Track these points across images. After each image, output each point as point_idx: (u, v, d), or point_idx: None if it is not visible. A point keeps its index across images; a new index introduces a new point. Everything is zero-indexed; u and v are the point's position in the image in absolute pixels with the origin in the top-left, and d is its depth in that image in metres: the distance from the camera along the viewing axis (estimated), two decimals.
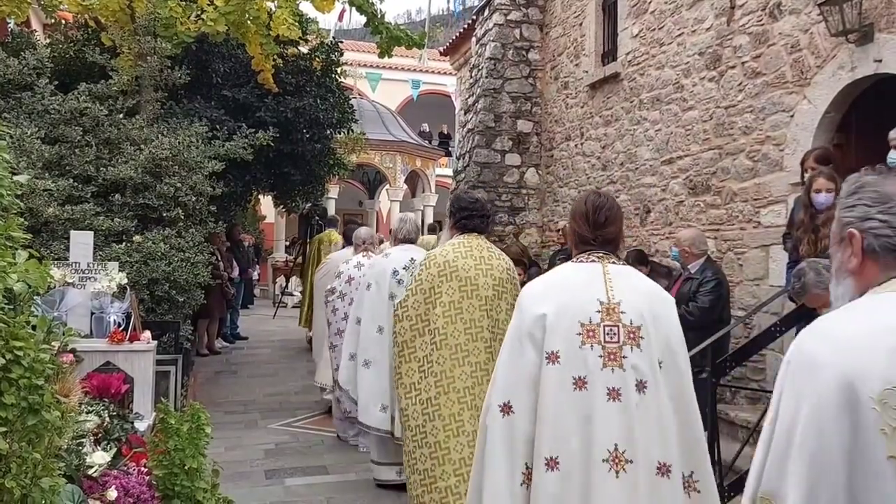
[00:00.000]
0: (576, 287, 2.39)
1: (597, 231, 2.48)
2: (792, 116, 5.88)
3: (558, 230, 8.84)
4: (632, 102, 8.27)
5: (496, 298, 3.62)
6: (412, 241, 5.06)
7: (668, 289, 5.85)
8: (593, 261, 2.45)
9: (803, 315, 4.54)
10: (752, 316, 5.81)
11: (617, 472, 2.20)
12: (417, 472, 3.50)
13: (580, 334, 2.31)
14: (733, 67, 6.58)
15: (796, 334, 4.77)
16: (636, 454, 2.21)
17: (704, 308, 5.41)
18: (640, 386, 2.27)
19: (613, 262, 2.45)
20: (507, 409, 2.36)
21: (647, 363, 2.29)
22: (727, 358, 4.91)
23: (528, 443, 2.33)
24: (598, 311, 2.33)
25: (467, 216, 3.90)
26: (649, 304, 2.36)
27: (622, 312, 2.34)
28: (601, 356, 2.30)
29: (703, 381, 4.78)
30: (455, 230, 3.94)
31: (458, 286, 3.63)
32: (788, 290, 4.04)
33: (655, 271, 6.21)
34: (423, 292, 3.70)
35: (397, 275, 4.76)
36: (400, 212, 19.62)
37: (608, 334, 2.32)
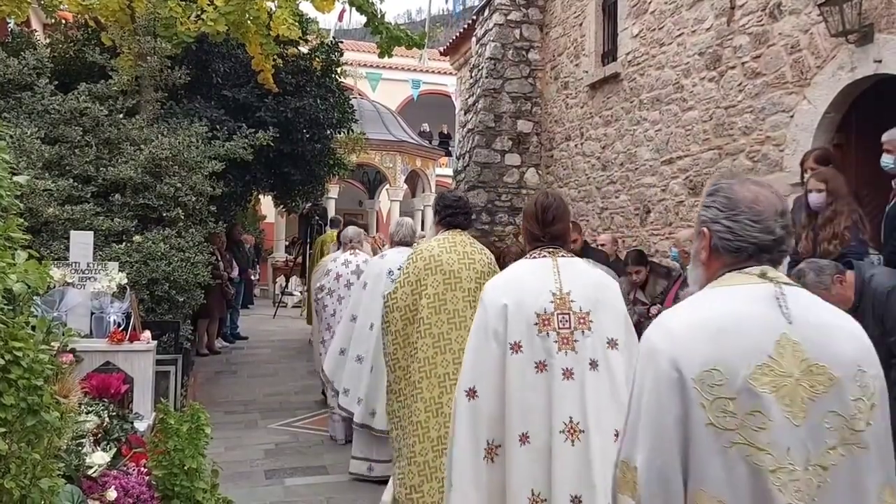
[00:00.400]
0: (530, 281, 2.68)
1: (545, 229, 2.78)
2: (792, 117, 5.88)
3: None
4: (632, 103, 8.27)
5: (478, 290, 3.73)
6: (408, 244, 5.22)
7: (667, 289, 5.88)
8: (544, 256, 2.75)
9: None
10: None
11: (573, 441, 2.52)
12: (405, 446, 3.78)
13: (537, 324, 2.63)
14: (733, 68, 6.58)
15: None
16: (588, 425, 2.51)
17: None
18: (593, 364, 2.58)
19: (562, 256, 2.73)
20: (472, 393, 2.68)
21: (597, 344, 2.60)
22: None
23: (492, 422, 2.64)
24: (552, 302, 2.64)
25: (451, 213, 4.11)
26: (595, 291, 2.66)
27: (572, 301, 2.65)
28: (556, 341, 2.62)
29: None
30: (440, 227, 4.16)
31: (443, 279, 3.84)
32: None
33: (655, 272, 6.21)
34: (411, 284, 3.90)
35: (392, 275, 4.86)
36: (400, 212, 19.65)
37: (561, 321, 2.64)
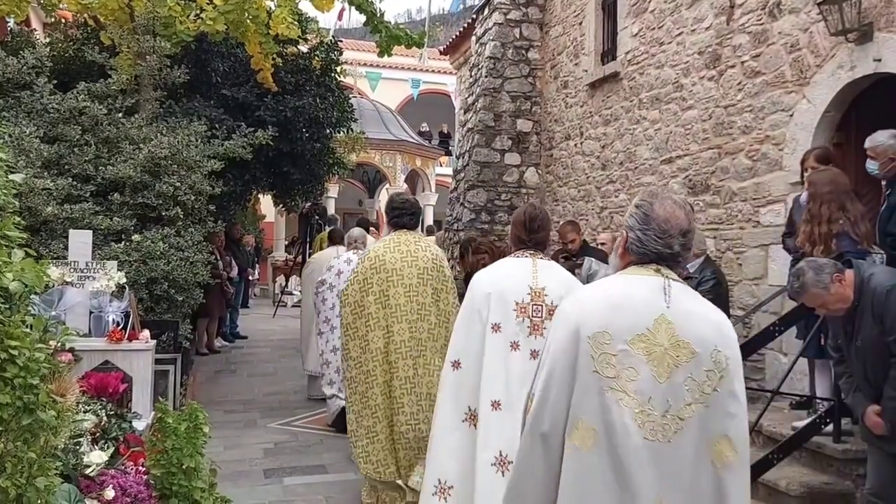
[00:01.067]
0: (513, 276, 3.20)
1: (531, 235, 3.33)
2: (791, 116, 5.88)
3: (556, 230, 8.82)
4: (631, 102, 8.27)
5: (421, 285, 4.27)
6: (363, 246, 6.20)
7: None
8: (526, 256, 3.31)
9: (802, 314, 4.55)
10: (751, 315, 5.81)
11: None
12: (362, 427, 4.26)
13: (515, 310, 3.18)
14: (733, 67, 6.57)
15: (797, 335, 4.75)
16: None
17: None
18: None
19: (541, 258, 3.24)
20: (456, 364, 3.25)
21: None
22: None
23: (472, 390, 3.17)
24: (528, 294, 3.20)
25: (398, 215, 4.47)
26: (566, 289, 3.09)
27: (546, 295, 3.21)
28: (529, 327, 3.18)
29: None
30: (390, 227, 4.57)
31: (386, 277, 4.27)
32: (787, 290, 4.04)
33: None
34: (359, 283, 4.33)
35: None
36: None
37: (535, 311, 3.21)
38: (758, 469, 4.16)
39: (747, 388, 6.19)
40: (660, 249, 1.98)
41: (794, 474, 4.54)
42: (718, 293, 5.53)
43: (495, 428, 3.05)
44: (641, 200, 2.04)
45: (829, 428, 4.45)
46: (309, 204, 12.37)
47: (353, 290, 4.35)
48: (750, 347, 4.98)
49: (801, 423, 4.65)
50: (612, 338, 1.89)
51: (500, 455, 3.04)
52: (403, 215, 4.46)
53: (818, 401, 4.81)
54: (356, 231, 6.94)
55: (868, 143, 4.50)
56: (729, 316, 5.53)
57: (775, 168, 6.03)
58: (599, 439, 1.85)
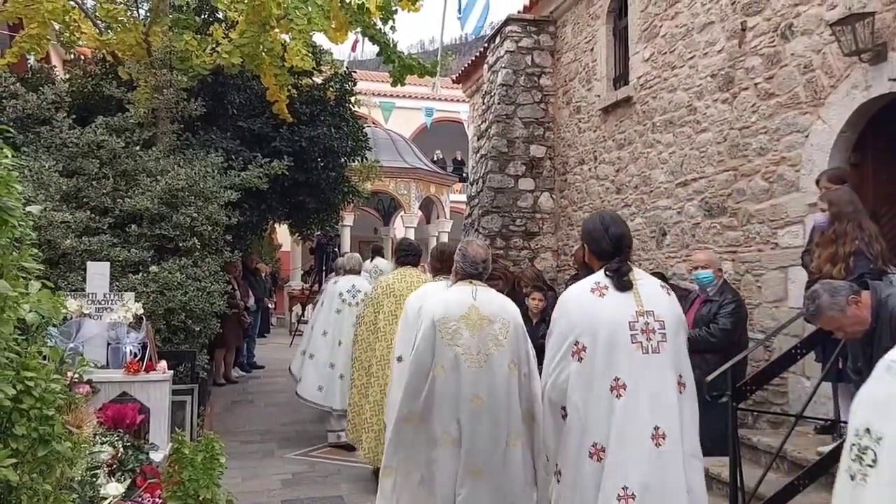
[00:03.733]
0: (457, 298, 3.76)
1: (444, 264, 4.52)
2: (807, 137, 5.85)
3: (572, 255, 8.80)
4: (645, 126, 8.26)
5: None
6: (356, 273, 7.45)
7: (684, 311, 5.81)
8: (441, 280, 4.49)
9: (824, 336, 4.48)
10: (772, 338, 5.73)
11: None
12: (357, 414, 5.59)
13: (461, 317, 3.74)
14: (746, 89, 6.56)
15: (816, 358, 4.68)
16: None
17: (726, 329, 5.36)
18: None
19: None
20: (399, 360, 4.39)
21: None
22: (748, 381, 4.83)
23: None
24: (469, 308, 3.72)
25: (404, 255, 5.86)
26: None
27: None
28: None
29: (724, 406, 4.71)
30: (397, 264, 5.94)
31: (394, 300, 5.45)
32: (803, 314, 3.98)
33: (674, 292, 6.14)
34: (373, 306, 5.68)
35: (342, 296, 7.17)
36: (414, 237, 19.67)
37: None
38: (784, 496, 4.07)
39: (770, 413, 6.10)
40: (470, 271, 3.74)
41: (820, 501, 4.44)
42: (739, 316, 5.49)
43: (438, 390, 4.09)
44: (460, 246, 3.82)
45: None
46: (318, 233, 12.42)
47: (368, 312, 5.69)
48: (772, 371, 4.91)
49: (826, 448, 4.56)
50: (449, 319, 3.58)
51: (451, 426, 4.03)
52: (408, 255, 5.84)
53: (843, 425, 4.72)
54: (354, 258, 7.85)
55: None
56: (747, 339, 5.51)
57: (792, 189, 5.99)
58: (447, 369, 3.55)
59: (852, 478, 1.44)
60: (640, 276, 3.05)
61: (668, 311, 2.96)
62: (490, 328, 3.57)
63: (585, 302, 2.97)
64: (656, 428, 2.76)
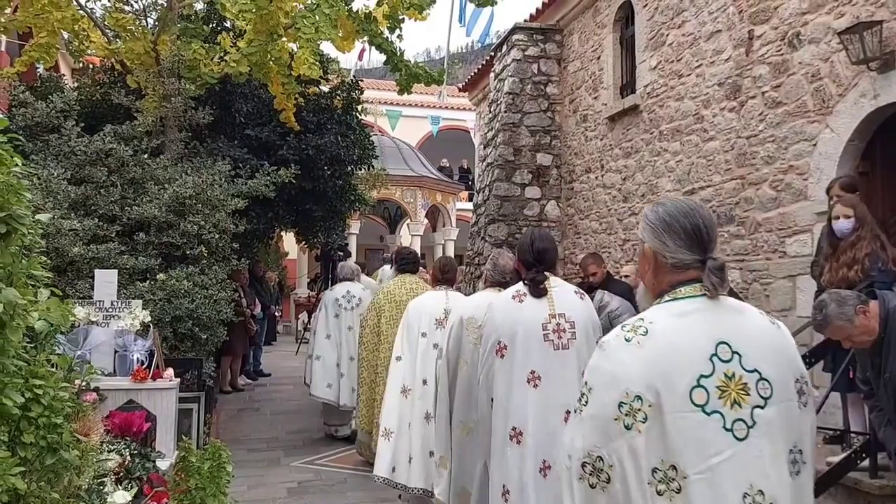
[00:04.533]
0: (432, 301, 4.93)
1: (444, 276, 5.10)
2: (815, 145, 5.83)
3: (578, 263, 8.78)
4: (651, 134, 8.26)
5: None
6: (350, 280, 7.99)
7: None
8: (441, 289, 5.03)
9: (832, 346, 4.46)
10: None
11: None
12: (368, 408, 5.99)
13: (435, 322, 4.81)
14: (753, 97, 6.56)
15: (823, 367, 4.65)
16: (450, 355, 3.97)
17: None
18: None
19: (452, 290, 4.99)
20: (398, 359, 4.96)
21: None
22: None
23: (405, 375, 4.88)
24: (444, 310, 4.80)
25: (404, 263, 6.28)
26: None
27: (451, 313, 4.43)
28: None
29: None
30: (397, 272, 6.37)
31: (395, 306, 5.84)
32: (811, 323, 3.96)
33: None
34: (376, 311, 6.07)
35: (338, 301, 7.74)
36: (420, 245, 19.68)
37: (447, 321, 4.41)
38: None
39: None
40: (499, 279, 3.90)
41: None
42: None
43: (426, 398, 4.69)
44: (492, 256, 4.02)
45: (866, 463, 4.33)
46: (324, 241, 12.45)
47: (371, 317, 6.11)
48: None
49: (835, 459, 4.52)
50: (476, 319, 3.55)
51: (427, 413, 4.60)
52: (408, 264, 6.25)
53: (853, 435, 4.69)
54: (354, 266, 8.59)
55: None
56: None
57: (800, 198, 5.97)
58: (473, 366, 3.56)
59: (577, 411, 1.82)
60: (556, 283, 3.50)
61: (579, 313, 3.42)
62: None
63: (507, 307, 3.44)
64: (567, 412, 3.12)
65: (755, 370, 1.77)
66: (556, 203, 10.53)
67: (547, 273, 3.47)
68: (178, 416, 4.71)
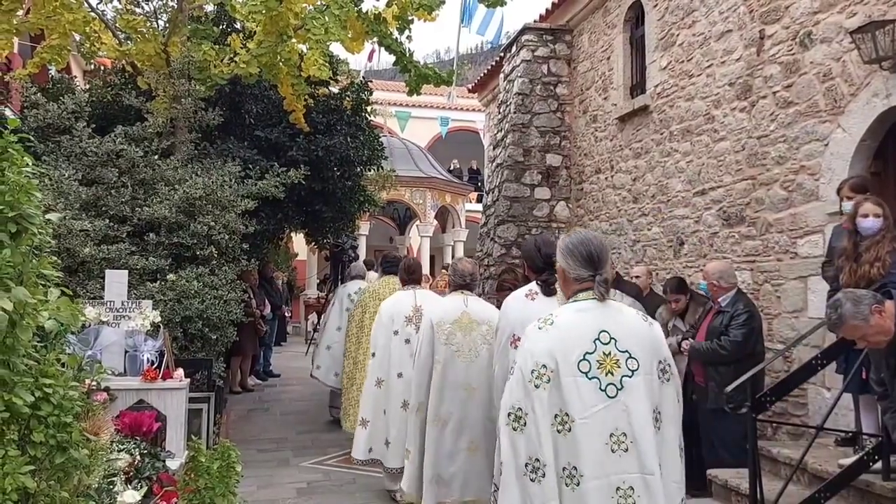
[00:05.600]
0: (402, 301, 5.71)
1: (410, 276, 5.86)
2: (826, 145, 5.79)
3: None
4: (662, 134, 8.23)
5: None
6: (361, 277, 8.87)
7: (699, 320, 5.77)
8: (409, 289, 5.78)
9: (845, 347, 4.43)
10: (791, 349, 5.66)
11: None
12: (346, 395, 6.92)
13: (405, 319, 5.57)
14: (764, 97, 6.52)
15: (836, 369, 4.62)
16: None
17: (737, 342, 5.29)
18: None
19: (419, 289, 5.78)
20: (373, 355, 5.66)
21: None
22: (767, 393, 4.77)
23: (379, 368, 5.57)
24: (412, 309, 5.60)
25: (388, 265, 7.10)
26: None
27: (421, 309, 5.48)
28: (414, 330, 5.31)
29: (743, 417, 4.65)
30: (381, 273, 7.30)
31: (378, 303, 6.25)
32: (825, 323, 3.93)
33: (695, 300, 6.10)
34: (361, 307, 6.96)
35: (350, 297, 8.27)
36: (430, 246, 19.68)
37: (416, 319, 5.44)
38: None
39: (789, 424, 6.03)
40: (460, 282, 4.70)
41: None
42: (752, 327, 5.42)
43: (398, 389, 5.39)
44: (452, 263, 4.73)
45: (878, 465, 4.29)
46: (331, 243, 12.49)
47: (357, 312, 7.08)
48: (792, 382, 4.85)
49: (847, 461, 4.49)
50: (444, 322, 4.54)
51: (404, 403, 5.10)
52: (391, 266, 6.95)
53: (865, 437, 4.65)
54: (360, 265, 9.53)
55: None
56: (763, 350, 5.46)
57: (812, 198, 5.93)
58: (444, 364, 4.42)
59: (509, 378, 2.64)
60: None
61: None
62: (480, 330, 4.56)
63: (521, 305, 3.91)
64: None
65: (626, 351, 2.56)
66: (566, 204, 10.51)
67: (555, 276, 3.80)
68: (188, 416, 4.72)
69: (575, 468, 2.46)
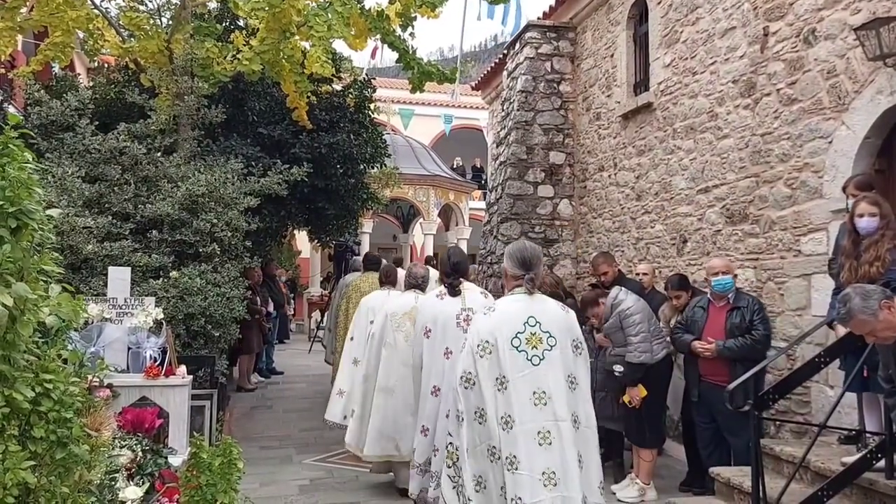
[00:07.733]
0: (378, 297, 6.39)
1: (387, 279, 6.69)
2: (830, 143, 5.77)
3: (590, 262, 8.74)
4: (665, 132, 8.21)
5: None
6: (359, 271, 9.38)
7: (690, 317, 5.77)
8: (385, 289, 6.52)
9: (848, 345, 4.41)
10: (794, 347, 5.65)
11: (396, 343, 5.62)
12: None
13: (405, 314, 5.59)
14: (768, 94, 6.50)
15: (839, 365, 4.60)
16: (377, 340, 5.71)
17: (767, 335, 5.47)
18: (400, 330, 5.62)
19: (394, 290, 6.35)
20: (351, 339, 6.47)
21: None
22: (770, 391, 4.76)
23: (356, 349, 6.20)
24: (412, 308, 5.55)
25: (370, 263, 8.37)
26: (394, 308, 5.65)
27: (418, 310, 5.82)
28: (397, 321, 5.64)
29: (747, 415, 4.64)
30: (365, 270, 8.41)
31: (360, 295, 7.23)
32: (834, 317, 3.91)
33: (697, 297, 6.11)
34: (346, 299, 7.95)
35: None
36: (433, 244, 19.68)
37: (398, 315, 5.77)
38: None
39: (792, 422, 6.01)
40: (413, 283, 5.75)
41: None
42: (769, 320, 5.57)
43: (374, 365, 5.77)
44: (408, 267, 5.50)
45: (881, 464, 4.28)
46: (335, 243, 12.53)
47: (343, 303, 8.07)
48: (795, 380, 4.84)
49: (850, 459, 4.48)
50: (397, 313, 5.54)
51: (380, 383, 5.56)
52: (372, 265, 8.21)
53: (868, 435, 4.64)
54: (358, 262, 10.32)
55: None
56: (769, 346, 5.46)
57: (815, 196, 5.91)
58: (394, 346, 5.42)
59: (461, 349, 3.77)
60: (468, 287, 5.16)
61: (480, 306, 4.62)
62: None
63: (432, 303, 5.15)
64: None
65: (547, 331, 3.56)
66: (569, 201, 10.49)
67: (461, 279, 5.10)
68: (191, 413, 4.73)
69: (510, 416, 3.41)
